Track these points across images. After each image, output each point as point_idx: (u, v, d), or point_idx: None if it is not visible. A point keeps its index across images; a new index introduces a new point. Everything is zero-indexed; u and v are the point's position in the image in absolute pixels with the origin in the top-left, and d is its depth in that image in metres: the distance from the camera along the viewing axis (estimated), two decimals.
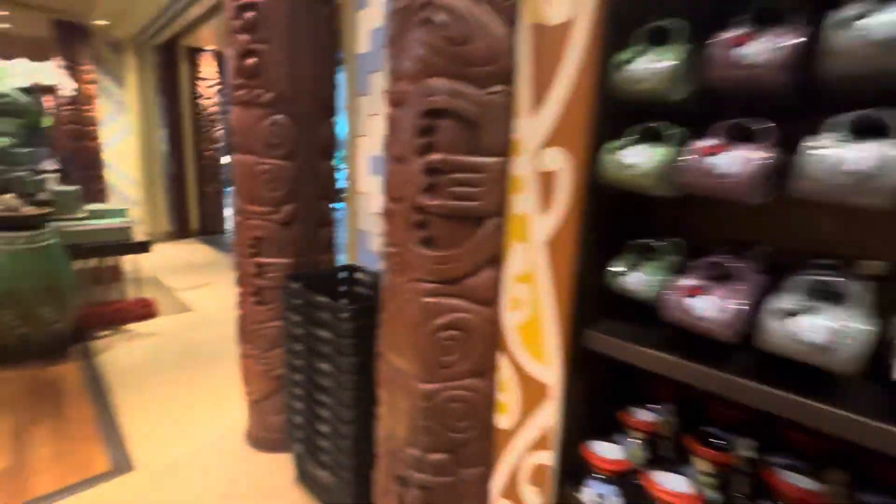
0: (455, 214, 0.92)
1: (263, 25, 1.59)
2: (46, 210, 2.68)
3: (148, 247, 3.33)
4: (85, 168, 5.76)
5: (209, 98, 6.63)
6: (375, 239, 1.77)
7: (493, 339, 0.98)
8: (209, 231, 6.85)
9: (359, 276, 1.76)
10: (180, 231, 6.64)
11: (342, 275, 1.77)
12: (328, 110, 1.80)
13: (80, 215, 3.35)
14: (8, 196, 2.56)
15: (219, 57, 6.64)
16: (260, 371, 1.85)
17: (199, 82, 6.51)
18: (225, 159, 7.01)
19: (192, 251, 5.93)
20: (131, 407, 2.23)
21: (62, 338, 2.79)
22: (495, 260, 0.95)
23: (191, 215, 6.74)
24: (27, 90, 3.10)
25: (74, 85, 4.74)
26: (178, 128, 6.49)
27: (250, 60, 1.61)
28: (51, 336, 2.70)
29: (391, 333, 1.06)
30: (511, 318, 0.94)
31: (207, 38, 6.10)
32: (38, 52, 2.96)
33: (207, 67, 6.54)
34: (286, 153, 1.68)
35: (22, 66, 2.67)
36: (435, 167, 0.91)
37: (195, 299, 3.90)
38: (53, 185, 3.55)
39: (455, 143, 0.90)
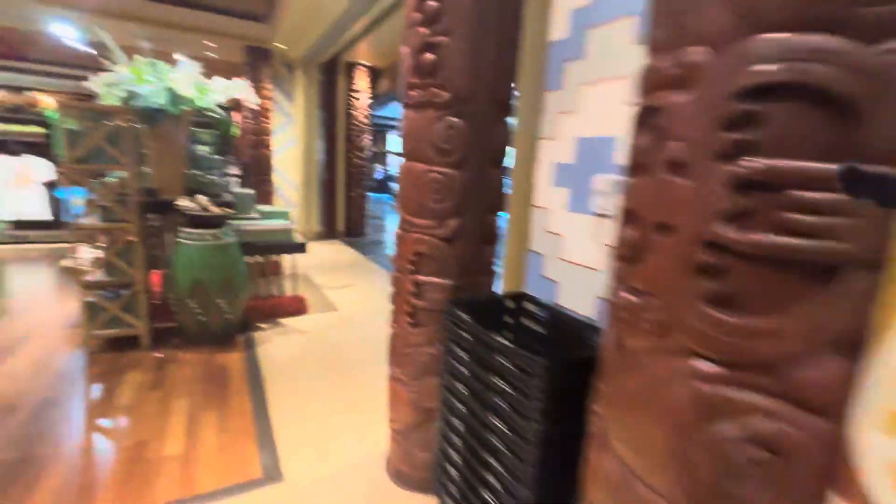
0: (785, 259, 0.56)
1: (446, 16, 1.40)
2: (229, 211, 2.95)
3: (305, 248, 3.53)
4: (258, 173, 6.60)
5: (360, 110, 7.11)
6: (551, 264, 1.46)
7: (827, 472, 0.58)
8: (352, 233, 7.34)
9: (529, 307, 1.46)
10: (327, 232, 7.24)
11: (509, 304, 1.50)
12: (503, 110, 1.55)
13: (253, 215, 3.70)
14: (201, 197, 2.87)
15: (370, 71, 7.09)
16: (408, 399, 1.67)
17: (353, 94, 7.02)
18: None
19: (338, 251, 6.36)
20: (282, 406, 2.27)
21: (232, 328, 3.06)
22: (852, 342, 0.56)
23: (338, 218, 7.29)
24: (221, 106, 3.54)
25: (258, 100, 5.39)
26: (332, 138, 7.09)
27: (428, 56, 1.44)
28: (223, 325, 2.97)
29: (625, 421, 0.73)
30: (881, 449, 0.54)
31: (363, 53, 6.56)
32: (229, 74, 3.37)
33: (360, 81, 7.03)
34: (458, 160, 1.47)
35: (219, 84, 3.00)
36: (753, 180, 0.56)
37: (340, 299, 4.07)
38: (234, 187, 4.02)
39: (798, 142, 0.54)
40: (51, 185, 5.83)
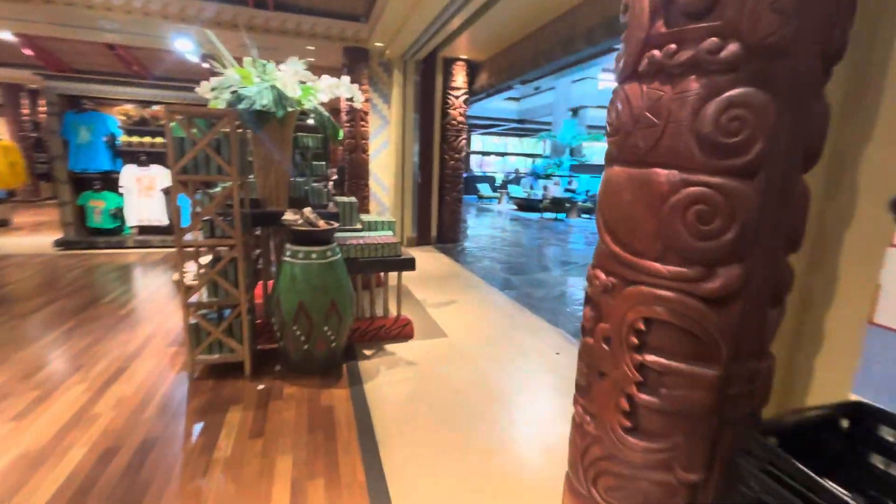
0: None
1: None
2: (335, 224, 2.57)
3: (414, 264, 3.08)
4: (354, 177, 6.42)
5: (457, 108, 6.65)
6: None
7: None
8: (445, 240, 6.92)
9: (890, 436, 0.78)
10: (420, 238, 6.88)
11: (841, 424, 0.83)
12: (826, 72, 0.88)
13: (357, 227, 3.34)
14: (307, 210, 2.52)
15: (468, 66, 6.60)
16: None
17: (451, 92, 6.58)
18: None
19: (433, 259, 5.95)
20: (400, 477, 1.79)
21: (337, 357, 2.70)
22: None
23: (432, 223, 6.92)
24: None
25: (363, 98, 5.14)
26: (428, 140, 6.71)
27: None
28: (327, 354, 2.61)
29: None
30: None
31: (462, 47, 6.08)
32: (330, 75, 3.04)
33: (458, 77, 6.56)
34: (749, 162, 0.83)
35: (325, 82, 2.63)
36: None
37: (447, 321, 3.58)
38: (335, 195, 3.71)
39: None
40: (168, 193, 6.13)
